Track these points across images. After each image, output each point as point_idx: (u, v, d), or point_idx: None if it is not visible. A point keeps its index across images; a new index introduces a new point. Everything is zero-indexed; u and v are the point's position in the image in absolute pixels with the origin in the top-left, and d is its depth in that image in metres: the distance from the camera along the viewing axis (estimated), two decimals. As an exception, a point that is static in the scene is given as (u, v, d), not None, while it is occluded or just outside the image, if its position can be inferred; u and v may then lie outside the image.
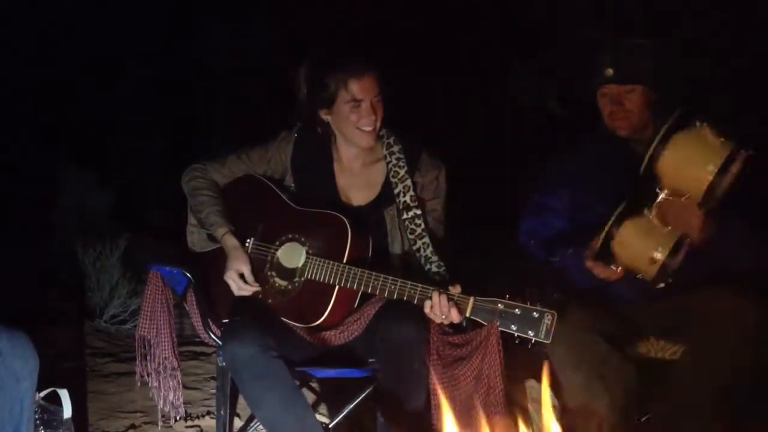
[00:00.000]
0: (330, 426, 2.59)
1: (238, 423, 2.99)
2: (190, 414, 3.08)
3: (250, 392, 2.38)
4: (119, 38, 5.75)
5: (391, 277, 2.35)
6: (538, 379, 2.67)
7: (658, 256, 2.37)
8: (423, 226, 2.54)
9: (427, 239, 2.53)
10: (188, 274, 2.59)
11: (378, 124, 2.55)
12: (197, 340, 3.45)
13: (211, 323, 2.55)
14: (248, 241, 2.58)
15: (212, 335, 2.54)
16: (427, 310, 2.32)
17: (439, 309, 2.30)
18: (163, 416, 2.64)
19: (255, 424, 2.66)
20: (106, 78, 5.71)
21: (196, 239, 2.72)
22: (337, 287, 2.42)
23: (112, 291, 4.09)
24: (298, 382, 2.45)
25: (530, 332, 2.22)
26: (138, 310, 2.65)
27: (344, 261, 2.42)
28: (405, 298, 2.34)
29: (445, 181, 2.63)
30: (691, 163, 2.35)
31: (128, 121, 5.85)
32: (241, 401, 2.98)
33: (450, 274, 2.49)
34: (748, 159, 2.31)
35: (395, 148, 2.61)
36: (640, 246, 2.40)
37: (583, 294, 2.59)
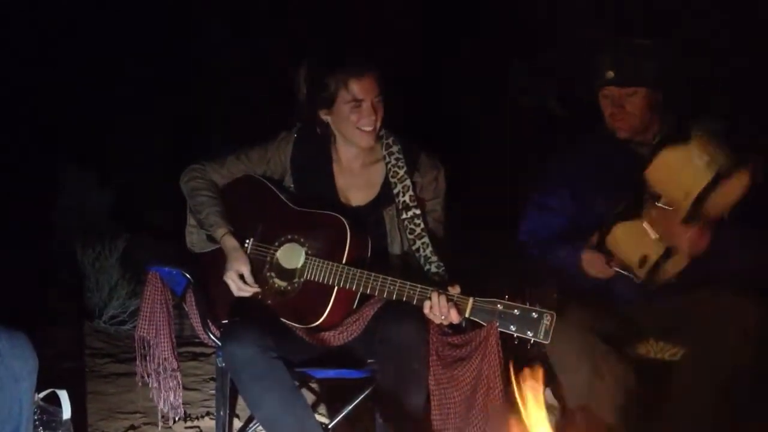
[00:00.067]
0: (329, 426, 2.59)
1: (237, 424, 2.99)
2: (190, 415, 3.08)
3: (250, 393, 2.38)
4: (119, 38, 5.74)
5: (390, 278, 2.35)
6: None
7: (647, 260, 2.40)
8: (422, 226, 2.54)
9: (426, 239, 2.53)
10: (187, 275, 2.59)
11: (378, 125, 2.54)
12: (197, 340, 3.45)
13: (210, 324, 2.55)
14: (247, 241, 2.57)
15: (211, 336, 2.53)
16: (426, 310, 2.32)
17: (439, 309, 2.29)
18: (162, 417, 2.64)
19: (254, 424, 2.66)
20: (106, 78, 5.71)
21: (195, 240, 2.72)
22: (336, 288, 2.42)
23: (111, 291, 4.09)
24: (297, 383, 2.45)
25: (529, 333, 2.22)
26: (137, 311, 2.65)
27: (343, 261, 2.42)
28: (404, 298, 2.34)
29: (444, 181, 2.63)
30: (677, 179, 2.37)
31: (128, 121, 5.85)
32: (241, 402, 2.98)
33: (449, 275, 2.49)
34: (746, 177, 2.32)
35: (394, 149, 2.61)
36: (631, 248, 2.45)
37: (583, 294, 2.59)
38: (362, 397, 2.55)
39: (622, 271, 2.48)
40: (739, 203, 2.38)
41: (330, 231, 2.47)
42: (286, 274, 2.52)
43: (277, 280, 2.53)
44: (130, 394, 3.22)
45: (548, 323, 2.21)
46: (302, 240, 2.51)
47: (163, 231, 4.29)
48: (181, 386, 2.63)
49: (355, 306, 2.49)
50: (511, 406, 2.07)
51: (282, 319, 2.49)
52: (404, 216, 2.55)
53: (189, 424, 3.01)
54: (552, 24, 5.50)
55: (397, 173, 2.59)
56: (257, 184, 2.65)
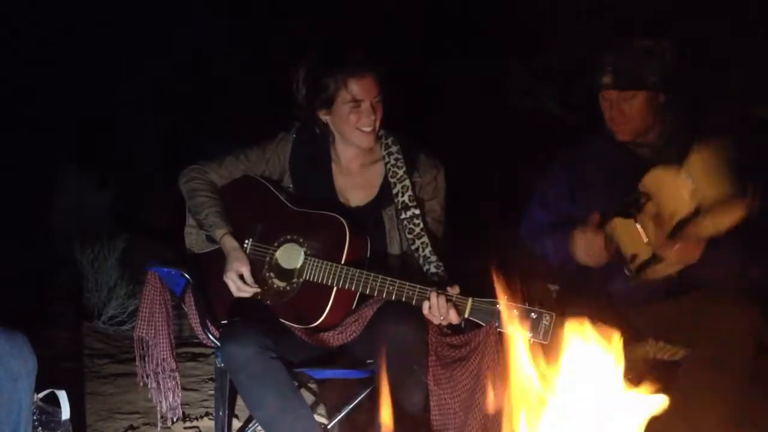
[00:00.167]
0: (328, 427, 2.58)
1: (236, 424, 2.99)
2: (189, 415, 3.07)
3: (249, 393, 2.38)
4: (119, 38, 5.74)
5: (389, 278, 2.35)
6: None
7: (637, 259, 2.40)
8: (422, 225, 2.54)
9: (425, 239, 2.52)
10: (186, 275, 2.59)
11: (377, 125, 2.55)
12: (196, 341, 3.45)
13: (209, 324, 2.54)
14: (246, 242, 2.57)
15: (211, 336, 2.53)
16: (425, 311, 2.32)
17: (438, 310, 2.29)
18: (161, 417, 2.64)
19: (253, 425, 2.66)
20: (106, 78, 5.70)
21: (194, 240, 2.71)
22: (335, 288, 2.41)
23: (110, 292, 4.09)
24: (296, 383, 2.45)
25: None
26: (136, 311, 2.64)
27: (342, 262, 2.42)
28: (403, 299, 2.34)
29: (443, 181, 2.63)
30: (665, 197, 2.37)
31: (128, 121, 5.85)
32: (240, 402, 2.98)
33: (449, 275, 2.49)
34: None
35: (393, 149, 2.61)
36: (625, 242, 2.45)
37: (583, 293, 2.59)
38: (361, 397, 2.55)
39: (617, 260, 2.46)
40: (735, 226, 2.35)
41: (329, 231, 2.47)
42: (285, 274, 2.52)
43: (276, 281, 2.53)
44: (129, 394, 3.22)
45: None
46: (301, 240, 2.51)
47: (162, 231, 4.29)
48: (179, 387, 2.63)
49: (354, 306, 2.49)
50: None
51: (281, 320, 2.48)
52: (403, 216, 2.55)
53: (188, 424, 3.01)
54: (552, 24, 5.50)
55: (396, 173, 2.59)
56: (256, 185, 2.65)
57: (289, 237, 2.53)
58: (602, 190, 2.61)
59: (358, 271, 2.38)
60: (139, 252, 4.27)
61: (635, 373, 1.98)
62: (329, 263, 2.42)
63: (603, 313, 2.50)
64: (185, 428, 2.98)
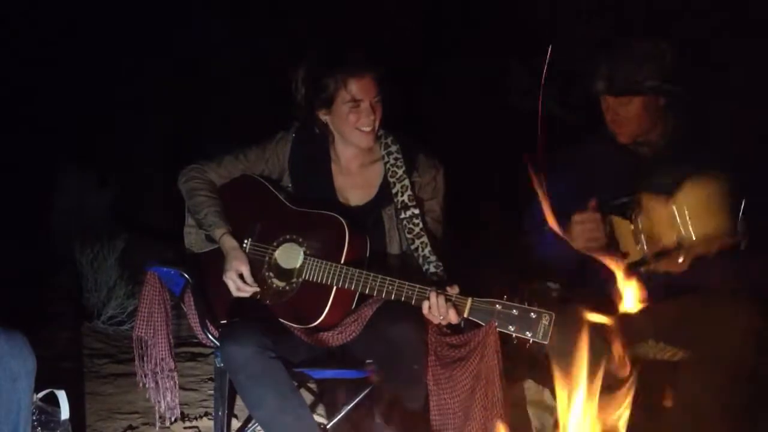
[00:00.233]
0: (328, 427, 2.58)
1: (235, 424, 2.99)
2: (188, 415, 3.07)
3: (248, 393, 2.38)
4: (119, 38, 5.74)
5: (389, 278, 2.35)
6: (536, 380, 2.68)
7: (628, 256, 2.42)
8: (421, 225, 2.53)
9: (425, 239, 2.52)
10: (186, 275, 2.59)
11: (377, 125, 2.54)
12: (195, 341, 3.45)
13: (208, 324, 2.54)
14: (245, 241, 2.57)
15: (210, 336, 2.53)
16: (425, 310, 2.31)
17: (437, 310, 2.29)
18: (159, 417, 2.64)
19: (253, 425, 2.66)
20: (106, 78, 5.71)
21: (193, 240, 2.71)
22: (334, 288, 2.41)
23: (109, 292, 4.09)
24: (295, 383, 2.45)
25: (528, 333, 2.22)
26: (136, 311, 2.64)
27: (342, 262, 2.42)
28: (403, 298, 2.34)
29: (443, 180, 2.63)
30: (653, 222, 2.37)
31: (128, 121, 5.85)
32: (239, 402, 2.98)
33: (448, 274, 2.48)
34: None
35: (393, 148, 2.61)
36: (619, 237, 2.45)
37: (584, 293, 2.58)
38: (361, 397, 2.55)
39: (611, 250, 2.46)
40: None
41: (328, 231, 2.46)
42: (285, 274, 2.52)
43: (275, 281, 2.53)
44: (129, 394, 3.22)
45: (547, 323, 2.21)
46: (300, 240, 2.50)
47: (161, 231, 4.29)
48: (177, 387, 2.63)
49: (353, 306, 2.49)
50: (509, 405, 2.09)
51: (280, 320, 2.48)
52: (403, 216, 2.55)
53: (187, 424, 3.01)
54: (552, 24, 5.50)
55: (396, 173, 2.58)
56: (255, 184, 2.65)
57: (288, 237, 2.53)
58: (604, 190, 2.60)
59: (357, 270, 2.38)
60: (139, 252, 4.27)
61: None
62: (329, 263, 2.42)
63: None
64: (184, 428, 2.98)
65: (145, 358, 2.58)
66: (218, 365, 2.52)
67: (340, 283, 2.40)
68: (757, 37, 4.40)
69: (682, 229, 2.30)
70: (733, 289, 2.45)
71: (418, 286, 2.33)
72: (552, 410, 2.63)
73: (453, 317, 2.30)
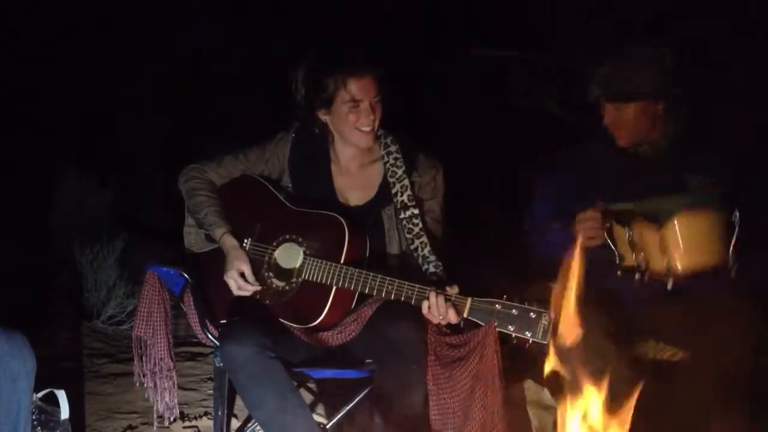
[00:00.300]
0: (327, 427, 2.58)
1: (235, 424, 2.99)
2: (188, 415, 3.08)
3: (248, 393, 2.38)
4: (119, 38, 5.74)
5: (388, 278, 2.35)
6: (536, 380, 2.67)
7: (625, 259, 2.44)
8: (420, 225, 2.53)
9: (425, 239, 2.52)
10: (186, 275, 2.59)
11: (377, 125, 2.54)
12: (195, 340, 3.45)
13: (208, 324, 2.54)
14: (245, 241, 2.57)
15: (210, 336, 2.53)
16: (424, 310, 2.31)
17: (437, 310, 2.29)
18: (158, 417, 2.64)
19: (252, 425, 2.66)
20: (106, 78, 5.70)
21: (193, 240, 2.71)
22: (334, 288, 2.41)
23: (109, 292, 4.09)
24: (295, 383, 2.45)
25: (528, 333, 2.22)
26: (135, 311, 2.64)
27: (341, 261, 2.42)
28: (402, 298, 2.34)
29: (443, 180, 2.63)
30: (646, 244, 2.38)
31: (128, 121, 5.85)
32: (239, 402, 2.98)
33: (448, 274, 2.48)
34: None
35: (393, 148, 2.61)
36: (617, 240, 2.46)
37: (589, 293, 2.58)
38: (360, 397, 2.55)
39: (610, 253, 2.47)
40: None
41: (328, 231, 2.46)
42: (285, 274, 2.52)
43: (275, 280, 2.52)
44: (128, 394, 3.22)
45: (547, 323, 2.21)
46: (300, 240, 2.50)
47: (161, 231, 4.29)
48: (176, 387, 2.63)
49: (353, 306, 2.49)
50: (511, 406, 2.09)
51: (280, 320, 2.48)
52: (402, 216, 2.55)
53: (187, 424, 3.01)
54: (552, 24, 5.50)
55: (396, 173, 2.58)
56: (255, 184, 2.65)
57: (288, 236, 2.53)
58: (604, 190, 2.60)
59: (357, 270, 2.38)
60: (139, 252, 4.27)
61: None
62: (328, 263, 2.42)
63: (607, 313, 2.53)
64: (184, 428, 2.99)
65: (144, 358, 2.58)
66: (218, 365, 2.52)
67: (340, 283, 2.40)
68: (757, 37, 4.40)
69: (671, 261, 2.32)
70: (734, 289, 2.45)
71: (417, 285, 2.33)
72: (552, 410, 2.63)
73: (452, 317, 2.30)
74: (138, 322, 2.58)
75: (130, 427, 2.99)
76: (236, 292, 2.51)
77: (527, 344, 2.24)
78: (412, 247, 2.53)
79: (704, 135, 2.67)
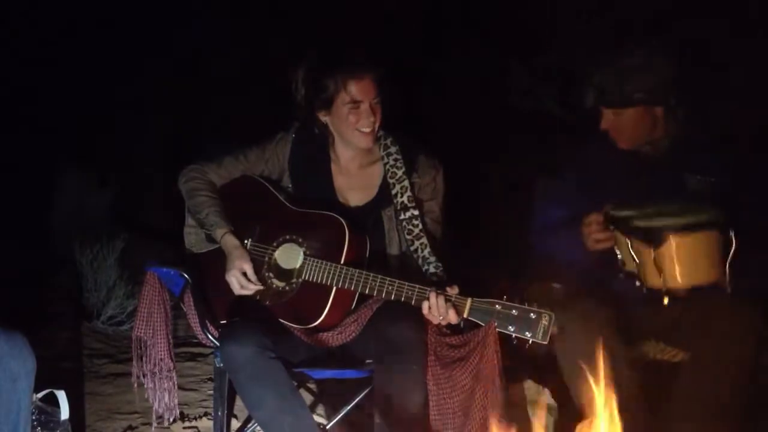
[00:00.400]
0: (327, 427, 2.58)
1: (235, 424, 2.99)
2: (188, 415, 3.07)
3: (248, 393, 2.38)
4: (119, 38, 5.74)
5: (388, 278, 2.35)
6: (536, 380, 2.68)
7: (626, 266, 2.44)
8: (420, 226, 2.53)
9: (425, 240, 2.52)
10: (186, 275, 2.59)
11: (377, 126, 2.54)
12: (195, 341, 3.45)
13: (208, 324, 2.54)
14: (245, 242, 2.57)
15: (210, 336, 2.53)
16: (424, 311, 2.31)
17: (437, 310, 2.29)
18: (158, 417, 2.64)
19: (252, 425, 2.66)
20: (106, 78, 5.70)
21: (193, 240, 2.71)
22: (334, 288, 2.41)
23: (109, 292, 4.09)
24: (295, 383, 2.45)
25: (528, 333, 2.22)
26: (135, 311, 2.64)
27: (342, 262, 2.42)
28: (402, 299, 2.34)
29: (443, 181, 2.63)
30: (641, 263, 2.39)
31: (128, 121, 5.85)
32: (239, 402, 2.98)
33: (448, 275, 2.48)
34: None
35: (393, 149, 2.61)
36: (619, 246, 2.46)
37: (591, 293, 2.58)
38: (360, 397, 2.55)
39: (616, 250, 2.48)
40: None
41: (328, 231, 2.46)
42: (285, 274, 2.52)
43: (275, 281, 2.52)
44: (128, 394, 3.21)
45: (547, 323, 2.21)
46: (300, 240, 2.50)
47: (161, 232, 4.29)
48: (176, 387, 2.63)
49: (353, 306, 2.49)
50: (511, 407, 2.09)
51: (280, 320, 2.48)
52: (402, 217, 2.55)
53: (187, 424, 3.01)
54: (552, 24, 5.49)
55: (396, 174, 2.58)
56: (255, 185, 2.65)
57: (288, 237, 2.53)
58: (606, 190, 2.60)
59: (357, 271, 2.38)
60: (139, 252, 4.27)
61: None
62: (328, 263, 2.42)
63: (608, 313, 2.53)
64: (184, 428, 2.98)
65: (144, 359, 2.58)
66: (218, 365, 2.53)
67: (340, 284, 2.40)
68: (757, 37, 4.40)
69: (667, 280, 2.32)
70: (734, 289, 2.45)
71: (417, 286, 2.33)
72: (552, 410, 2.63)
73: (453, 317, 2.30)
74: (138, 322, 2.58)
75: (130, 427, 2.99)
76: (238, 291, 2.51)
77: (527, 344, 2.24)
78: (412, 248, 2.53)
79: (704, 135, 2.66)
